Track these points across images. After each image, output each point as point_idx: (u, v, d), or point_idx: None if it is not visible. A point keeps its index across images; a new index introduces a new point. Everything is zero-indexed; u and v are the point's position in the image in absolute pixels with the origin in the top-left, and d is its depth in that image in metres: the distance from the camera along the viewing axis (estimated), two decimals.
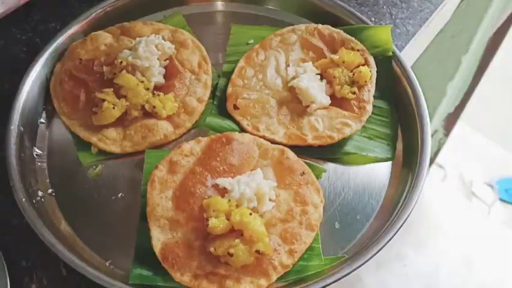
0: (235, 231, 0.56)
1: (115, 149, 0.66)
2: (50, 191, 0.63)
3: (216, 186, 0.60)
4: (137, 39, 0.70)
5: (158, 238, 0.57)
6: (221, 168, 0.61)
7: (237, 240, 0.54)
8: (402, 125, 0.70)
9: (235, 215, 0.55)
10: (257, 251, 0.54)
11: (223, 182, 0.59)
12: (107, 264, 0.58)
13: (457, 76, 1.37)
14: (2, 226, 0.61)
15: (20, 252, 0.60)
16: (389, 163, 0.68)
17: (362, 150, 0.68)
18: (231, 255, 0.54)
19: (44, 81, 0.70)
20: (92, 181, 0.65)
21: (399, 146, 0.69)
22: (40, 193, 0.62)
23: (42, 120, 0.69)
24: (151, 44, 0.70)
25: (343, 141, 0.68)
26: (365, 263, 0.56)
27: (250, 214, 0.56)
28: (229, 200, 0.57)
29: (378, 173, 0.67)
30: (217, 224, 0.55)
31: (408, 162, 0.65)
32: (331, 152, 0.68)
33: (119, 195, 0.64)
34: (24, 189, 0.59)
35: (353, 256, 0.57)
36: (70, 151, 0.67)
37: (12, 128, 0.63)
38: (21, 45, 0.78)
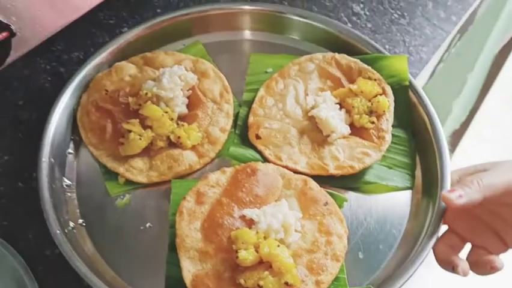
0: (263, 263, 0.57)
1: (141, 179, 0.68)
2: (80, 221, 0.65)
3: (243, 217, 0.62)
4: (161, 70, 0.72)
5: (189, 269, 0.59)
6: (247, 199, 0.63)
7: (266, 272, 0.56)
8: (420, 153, 0.72)
9: (264, 247, 0.57)
10: (286, 283, 0.56)
11: (250, 213, 0.61)
12: None
13: (463, 93, 1.40)
14: (35, 257, 0.63)
15: (55, 282, 0.61)
16: (409, 191, 0.69)
17: (382, 179, 0.70)
18: (261, 287, 0.56)
19: (71, 112, 0.72)
20: (121, 211, 0.66)
21: (418, 173, 0.71)
22: (71, 223, 0.64)
23: (70, 150, 0.71)
24: (175, 75, 0.72)
25: (363, 171, 0.69)
26: None
27: (278, 246, 0.57)
28: (257, 232, 0.59)
29: (398, 202, 0.69)
30: (246, 256, 0.57)
31: (428, 190, 0.67)
32: (351, 181, 0.69)
33: (147, 225, 0.65)
34: (58, 221, 0.61)
35: (379, 287, 0.59)
36: (98, 181, 0.68)
37: (43, 159, 0.65)
38: (45, 75, 0.79)
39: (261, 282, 0.56)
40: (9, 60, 0.60)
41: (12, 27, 0.58)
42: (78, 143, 0.72)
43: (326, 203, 0.64)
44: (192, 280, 0.58)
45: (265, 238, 0.59)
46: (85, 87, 0.74)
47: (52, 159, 0.66)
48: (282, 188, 0.66)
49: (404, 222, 0.67)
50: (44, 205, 0.62)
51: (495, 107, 1.72)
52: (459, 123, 1.61)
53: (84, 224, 0.65)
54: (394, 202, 0.69)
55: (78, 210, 0.66)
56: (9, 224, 0.66)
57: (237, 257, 0.57)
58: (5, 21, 0.58)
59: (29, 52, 0.79)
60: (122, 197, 0.67)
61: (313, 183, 0.66)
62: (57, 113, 0.70)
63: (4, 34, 0.59)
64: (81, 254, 0.60)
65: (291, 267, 0.56)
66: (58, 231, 0.60)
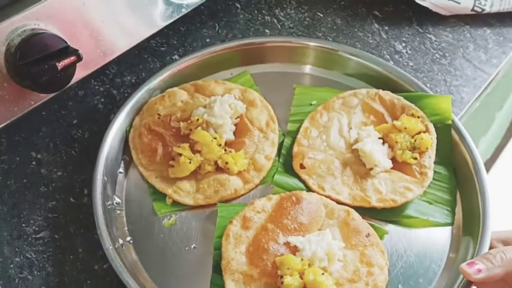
0: None
1: (188, 201, 0.70)
2: (128, 238, 0.67)
3: (287, 244, 0.63)
4: (212, 98, 0.76)
5: None
6: (292, 226, 0.65)
7: None
8: (461, 190, 0.73)
9: (309, 274, 0.58)
10: None
11: (295, 240, 0.63)
12: None
13: (490, 131, 1.41)
14: (84, 271, 0.65)
15: None
16: (449, 227, 0.70)
17: (422, 214, 0.71)
18: None
19: (124, 133, 0.75)
20: (167, 231, 0.69)
21: (458, 210, 0.71)
22: (120, 240, 0.66)
23: (120, 170, 0.74)
24: (225, 103, 0.75)
25: (404, 205, 0.71)
26: None
27: (323, 274, 0.59)
28: (301, 259, 0.61)
29: (438, 237, 0.69)
30: (291, 282, 0.58)
31: (469, 228, 0.68)
32: (392, 214, 0.71)
33: (192, 246, 0.67)
34: (110, 238, 0.63)
35: None
36: (146, 201, 0.71)
37: (98, 177, 0.68)
38: (99, 96, 0.84)
39: None
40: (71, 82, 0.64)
41: (80, 52, 0.62)
42: (128, 163, 0.75)
43: (368, 235, 0.66)
44: None
45: (309, 265, 0.60)
46: (138, 110, 0.78)
47: (105, 177, 0.69)
48: (325, 217, 0.67)
49: (444, 257, 0.67)
50: (98, 221, 0.64)
51: None
52: (485, 159, 1.61)
53: (131, 242, 0.67)
54: (434, 238, 0.69)
55: (126, 228, 0.68)
56: (60, 238, 0.68)
57: (282, 282, 0.58)
58: (73, 46, 0.62)
59: None
60: (169, 217, 0.70)
61: (355, 214, 0.67)
62: (111, 133, 0.73)
63: (72, 58, 0.61)
64: (129, 269, 0.62)
65: None
66: (110, 247, 0.62)
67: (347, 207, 0.68)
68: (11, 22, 0.57)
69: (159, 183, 0.71)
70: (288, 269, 0.59)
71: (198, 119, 0.73)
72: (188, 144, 0.72)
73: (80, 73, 0.66)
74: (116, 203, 0.70)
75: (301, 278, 0.59)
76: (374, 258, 0.64)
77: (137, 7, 0.72)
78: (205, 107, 0.76)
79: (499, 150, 1.71)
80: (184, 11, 0.80)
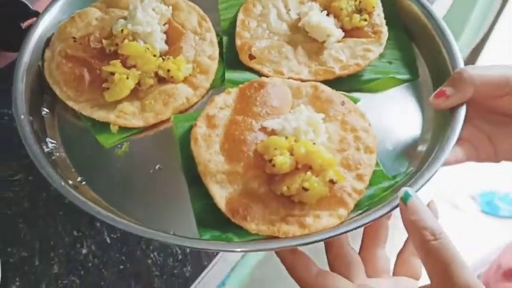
0: (298, 169, 0.52)
1: (137, 122, 0.61)
2: (79, 179, 0.57)
3: (264, 130, 0.56)
4: (132, 5, 0.65)
5: (221, 195, 0.53)
6: (263, 111, 0.57)
7: (309, 173, 0.51)
8: (417, 44, 0.70)
9: (299, 148, 0.52)
10: (330, 181, 0.51)
11: (271, 123, 0.56)
12: (171, 234, 0.52)
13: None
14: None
15: None
16: (417, 87, 0.67)
17: (386, 74, 0.67)
18: (307, 189, 0.50)
19: (36, 70, 0.63)
20: (122, 160, 0.59)
21: (422, 64, 0.68)
22: (70, 182, 0.55)
23: (44, 111, 0.62)
24: (148, 8, 0.65)
25: (365, 70, 0.66)
26: (435, 173, 0.54)
27: (314, 143, 0.53)
28: (286, 137, 0.54)
29: (410, 95, 0.66)
30: (284, 160, 0.51)
31: (438, 76, 0.64)
32: (357, 82, 0.66)
33: (156, 167, 0.58)
34: (60, 177, 0.52)
35: (420, 168, 0.55)
36: (86, 135, 0.60)
37: (22, 117, 0.56)
38: None
39: (306, 184, 0.50)
40: None
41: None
42: (51, 102, 0.63)
43: (343, 102, 0.60)
44: (227, 204, 0.52)
45: (296, 142, 0.53)
46: (46, 43, 0.65)
47: (30, 117, 0.57)
48: (293, 98, 0.61)
49: (420, 113, 0.64)
50: (40, 162, 0.53)
51: None
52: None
53: (84, 182, 0.57)
54: (405, 96, 0.66)
55: (73, 170, 0.57)
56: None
57: (274, 165, 0.51)
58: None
59: None
60: (119, 146, 0.60)
61: (324, 86, 0.62)
62: (21, 72, 0.60)
63: (35, 19, 0.66)
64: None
65: (333, 162, 0.52)
66: (63, 183, 0.51)
67: (313, 82, 0.62)
68: None
69: (97, 113, 0.61)
70: (275, 149, 0.52)
71: (122, 30, 0.62)
72: (119, 61, 0.61)
73: None
74: (52, 147, 0.58)
75: (292, 155, 0.52)
76: (356, 123, 0.59)
77: None
78: (125, 18, 0.65)
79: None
80: None
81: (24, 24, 0.70)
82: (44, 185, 0.62)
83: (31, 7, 0.70)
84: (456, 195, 1.94)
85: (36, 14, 0.68)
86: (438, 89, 0.58)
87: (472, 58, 1.87)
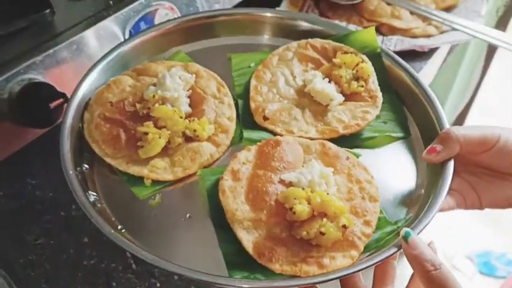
0: (315, 216, 0.61)
1: (167, 176, 0.68)
2: (119, 227, 0.64)
3: (282, 182, 0.65)
4: (160, 74, 0.75)
5: (248, 239, 0.60)
6: (281, 166, 0.66)
7: (325, 220, 0.59)
8: (407, 105, 0.80)
9: (315, 197, 0.60)
10: (343, 226, 0.60)
11: (288, 176, 0.65)
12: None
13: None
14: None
15: None
16: (408, 141, 0.77)
17: (383, 132, 0.77)
18: (323, 234, 0.59)
19: (77, 131, 0.71)
20: (156, 209, 0.66)
21: (412, 123, 0.78)
22: (112, 230, 0.62)
23: (85, 166, 0.69)
24: (175, 76, 0.74)
25: (364, 129, 0.76)
26: (432, 218, 0.63)
27: (327, 194, 0.61)
28: (302, 188, 0.62)
29: (404, 150, 0.75)
30: (303, 208, 0.59)
31: (428, 135, 0.74)
32: (356, 140, 0.75)
33: (187, 215, 0.66)
34: (106, 223, 0.60)
35: (418, 215, 0.64)
36: (123, 188, 0.68)
37: (70, 172, 0.64)
38: None
39: (323, 229, 0.59)
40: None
41: (66, 94, 0.74)
42: (91, 159, 0.71)
43: (348, 158, 0.69)
44: (254, 247, 0.60)
45: (311, 192, 0.62)
46: (85, 106, 0.74)
47: (76, 171, 0.65)
48: (304, 154, 0.70)
49: (416, 164, 0.73)
50: (88, 211, 0.60)
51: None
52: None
53: (124, 230, 0.64)
54: (400, 151, 0.75)
55: (114, 219, 0.65)
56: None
57: (294, 213, 0.60)
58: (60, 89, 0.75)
59: None
60: (153, 197, 0.67)
61: (330, 144, 0.71)
62: (66, 132, 0.68)
63: (61, 100, 0.75)
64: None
65: (344, 210, 0.60)
66: (112, 231, 0.58)
67: (320, 140, 0.72)
68: (12, 75, 0.72)
69: (132, 168, 0.69)
70: (294, 199, 0.61)
71: (153, 96, 0.71)
72: (151, 123, 0.70)
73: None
74: (94, 199, 0.66)
75: (309, 204, 0.60)
76: (360, 175, 0.68)
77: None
78: (154, 85, 0.75)
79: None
80: None
81: (52, 105, 0.75)
82: (64, 248, 0.75)
83: (58, 89, 0.77)
84: (453, 255, 1.97)
85: (63, 96, 0.75)
86: (429, 146, 0.68)
87: (460, 119, 2.01)
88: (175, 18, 0.87)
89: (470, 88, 1.83)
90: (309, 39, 0.85)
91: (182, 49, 0.87)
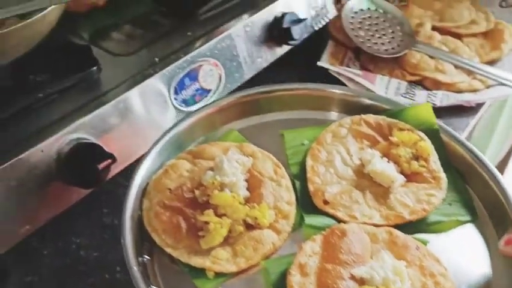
0: None
1: (230, 267, 0.66)
2: None
3: (353, 278, 0.62)
4: (217, 158, 0.73)
5: None
6: (350, 259, 0.63)
7: None
8: (471, 185, 0.77)
9: None
10: None
11: (359, 272, 0.62)
12: None
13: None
14: None
15: None
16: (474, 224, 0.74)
17: (449, 216, 0.73)
18: None
19: (138, 219, 0.70)
20: None
21: (478, 204, 0.76)
22: None
23: (146, 257, 0.67)
24: (232, 160, 0.73)
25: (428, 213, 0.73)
26: None
27: None
28: (376, 287, 0.59)
29: (469, 235, 0.72)
30: None
31: (496, 214, 0.72)
32: (422, 224, 0.72)
33: None
34: None
35: None
36: (185, 280, 0.66)
37: (135, 268, 0.62)
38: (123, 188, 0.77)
39: None
40: None
41: (115, 155, 0.73)
42: (150, 249, 0.69)
43: (418, 247, 0.67)
44: None
45: None
46: (142, 192, 0.73)
47: (139, 267, 0.63)
48: (371, 243, 0.67)
49: (488, 249, 0.70)
50: None
51: None
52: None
53: None
54: (469, 236, 0.72)
55: None
56: None
57: None
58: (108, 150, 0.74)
59: None
60: None
61: (397, 232, 0.68)
62: (127, 221, 0.67)
63: (109, 161, 0.73)
64: None
65: None
66: None
67: (386, 228, 0.69)
68: (61, 135, 0.72)
69: (194, 259, 0.66)
70: None
71: (213, 182, 0.70)
72: (212, 211, 0.68)
73: (113, 170, 0.77)
74: None
75: None
76: (433, 268, 0.65)
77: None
78: (211, 169, 0.73)
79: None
80: None
81: (100, 166, 0.74)
82: None
83: (106, 150, 0.76)
84: None
85: (111, 156, 0.74)
86: (505, 237, 0.65)
87: (501, 166, 1.96)
88: (231, 93, 0.87)
89: (510, 137, 1.79)
90: (363, 115, 0.84)
91: (235, 125, 0.86)
